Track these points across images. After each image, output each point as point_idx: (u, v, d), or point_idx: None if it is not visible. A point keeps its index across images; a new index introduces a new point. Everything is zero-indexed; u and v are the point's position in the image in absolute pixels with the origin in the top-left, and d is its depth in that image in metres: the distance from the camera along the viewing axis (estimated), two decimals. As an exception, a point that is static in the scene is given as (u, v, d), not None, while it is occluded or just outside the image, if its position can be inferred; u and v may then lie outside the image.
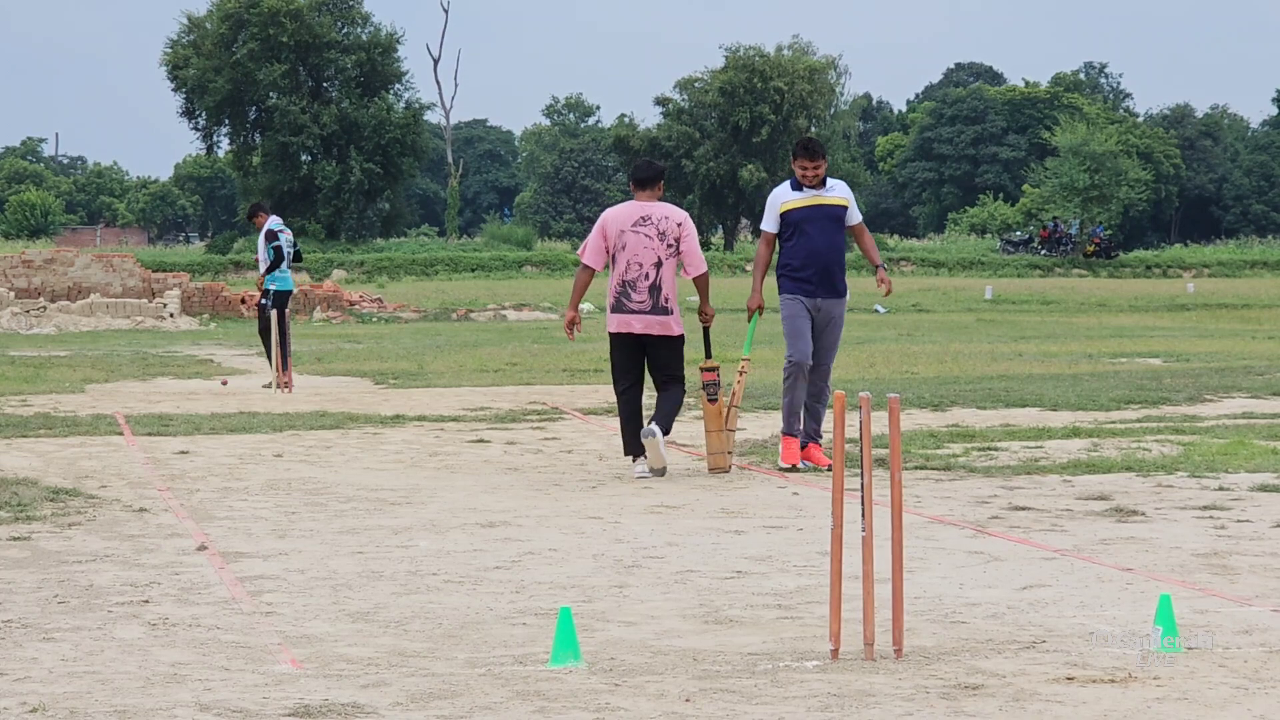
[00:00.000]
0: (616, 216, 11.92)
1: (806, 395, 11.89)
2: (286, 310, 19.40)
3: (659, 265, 11.75)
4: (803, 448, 11.93)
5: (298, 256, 20.20)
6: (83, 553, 8.57)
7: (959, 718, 5.48)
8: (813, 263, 11.84)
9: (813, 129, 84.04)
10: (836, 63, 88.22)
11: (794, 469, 11.77)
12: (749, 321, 12.20)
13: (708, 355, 12.05)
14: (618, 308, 11.85)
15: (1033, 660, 6.25)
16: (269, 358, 19.42)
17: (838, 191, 11.95)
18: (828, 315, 11.91)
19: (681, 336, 11.89)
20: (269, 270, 19.74)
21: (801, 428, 11.96)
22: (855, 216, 12.02)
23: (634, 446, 11.66)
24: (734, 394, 11.89)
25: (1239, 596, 7.43)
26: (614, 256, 11.87)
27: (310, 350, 25.14)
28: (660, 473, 11.55)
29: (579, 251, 12.17)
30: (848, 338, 28.86)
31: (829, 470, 11.20)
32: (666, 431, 11.63)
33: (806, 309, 11.85)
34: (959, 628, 6.84)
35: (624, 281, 11.81)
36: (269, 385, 18.87)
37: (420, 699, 5.71)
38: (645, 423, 11.68)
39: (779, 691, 5.80)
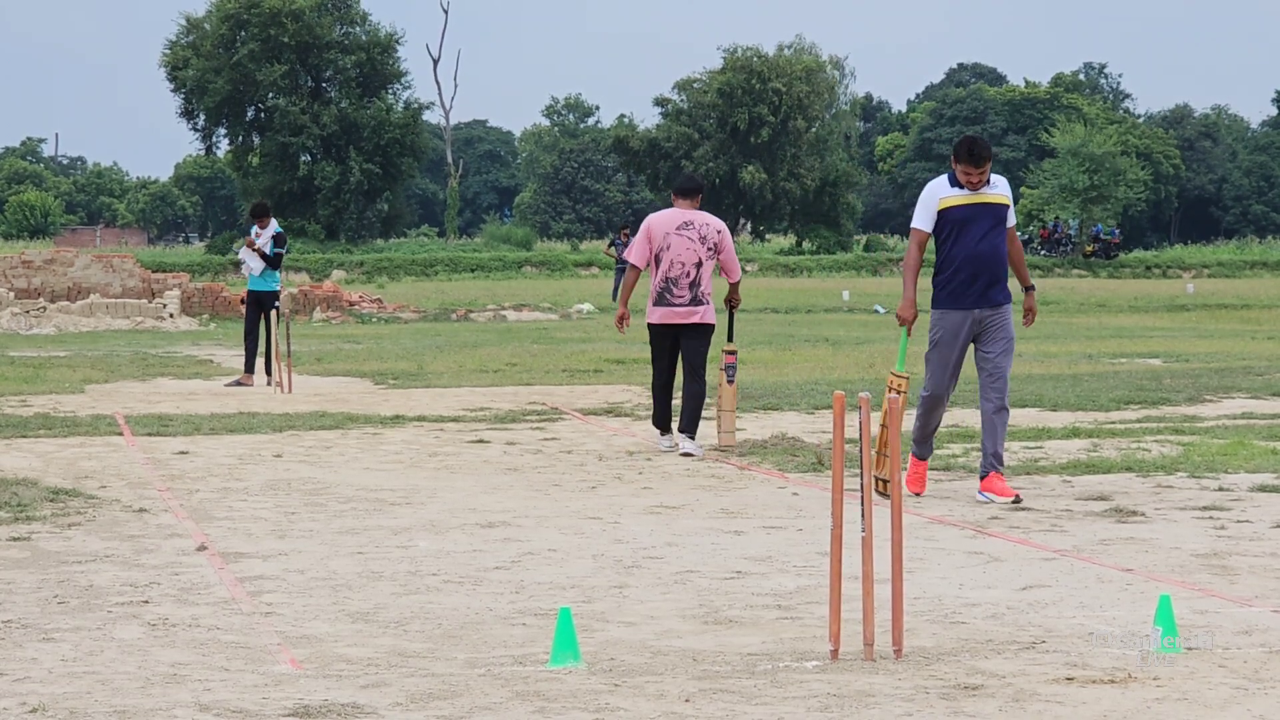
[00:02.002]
0: (662, 221, 13.10)
1: (986, 408, 10.53)
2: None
3: (699, 265, 12.97)
4: (982, 476, 10.46)
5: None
6: (82, 553, 8.57)
7: (959, 718, 5.48)
8: (974, 271, 10.52)
9: (812, 129, 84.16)
10: (842, 64, 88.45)
11: (918, 496, 10.52)
12: (905, 333, 10.84)
13: (730, 339, 13.56)
14: (660, 301, 13.03)
15: (1032, 661, 6.25)
16: (268, 356, 19.43)
17: (1000, 189, 10.63)
18: (990, 325, 10.56)
19: (712, 326, 13.10)
20: (269, 268, 19.76)
21: (982, 456, 10.53)
22: (1012, 219, 10.73)
23: (661, 421, 13.15)
24: (885, 412, 11.04)
25: (1239, 597, 7.43)
26: (658, 256, 13.00)
27: (310, 350, 25.15)
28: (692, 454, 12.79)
29: (625, 254, 13.42)
30: (846, 338, 28.88)
31: (1015, 502, 10.15)
32: (692, 432, 12.90)
33: (961, 327, 10.58)
34: (959, 628, 6.84)
35: (667, 278, 12.97)
36: (243, 383, 19.08)
37: (420, 699, 5.71)
38: (674, 425, 13.11)
39: (779, 692, 5.80)
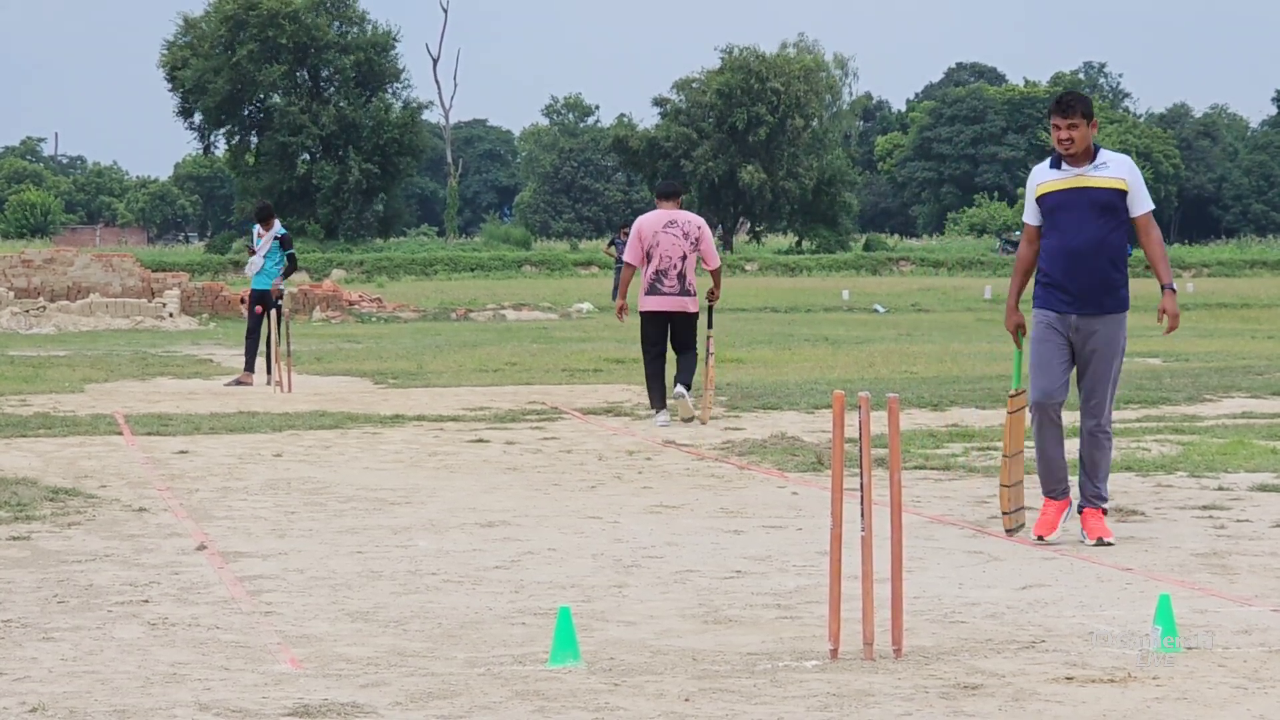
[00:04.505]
0: (650, 222, 15.02)
1: (1081, 439, 9.10)
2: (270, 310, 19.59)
3: (684, 258, 14.89)
4: (1079, 511, 9.05)
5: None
6: (82, 552, 8.57)
7: (958, 718, 5.48)
8: (1068, 266, 8.92)
9: (811, 127, 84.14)
10: (846, 63, 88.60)
11: (1041, 540, 8.87)
12: (1018, 345, 9.32)
13: (709, 326, 15.51)
14: (652, 291, 14.89)
15: (1032, 660, 6.25)
16: (268, 355, 19.42)
17: (1110, 170, 8.92)
18: (1091, 337, 8.98)
19: (696, 314, 15.05)
20: (284, 274, 19.80)
21: (1078, 488, 9.12)
22: (1140, 205, 8.95)
23: (657, 402, 14.84)
24: (1006, 439, 9.17)
25: (1238, 596, 7.43)
26: (648, 253, 14.90)
27: (310, 350, 25.14)
28: (689, 420, 14.69)
29: (624, 255, 15.24)
30: (846, 337, 28.86)
31: (1108, 544, 8.76)
32: (689, 387, 14.77)
33: (1059, 330, 9.00)
34: (958, 627, 6.84)
35: (657, 271, 14.86)
36: (267, 383, 18.97)
37: (419, 699, 5.71)
38: (671, 386, 14.77)
39: (778, 691, 5.80)
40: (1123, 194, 8.92)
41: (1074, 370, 9.13)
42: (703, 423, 14.68)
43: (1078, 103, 8.88)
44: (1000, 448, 9.26)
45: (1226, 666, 6.12)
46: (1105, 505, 9.02)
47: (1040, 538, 8.89)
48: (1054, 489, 9.04)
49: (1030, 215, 9.14)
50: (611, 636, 6.69)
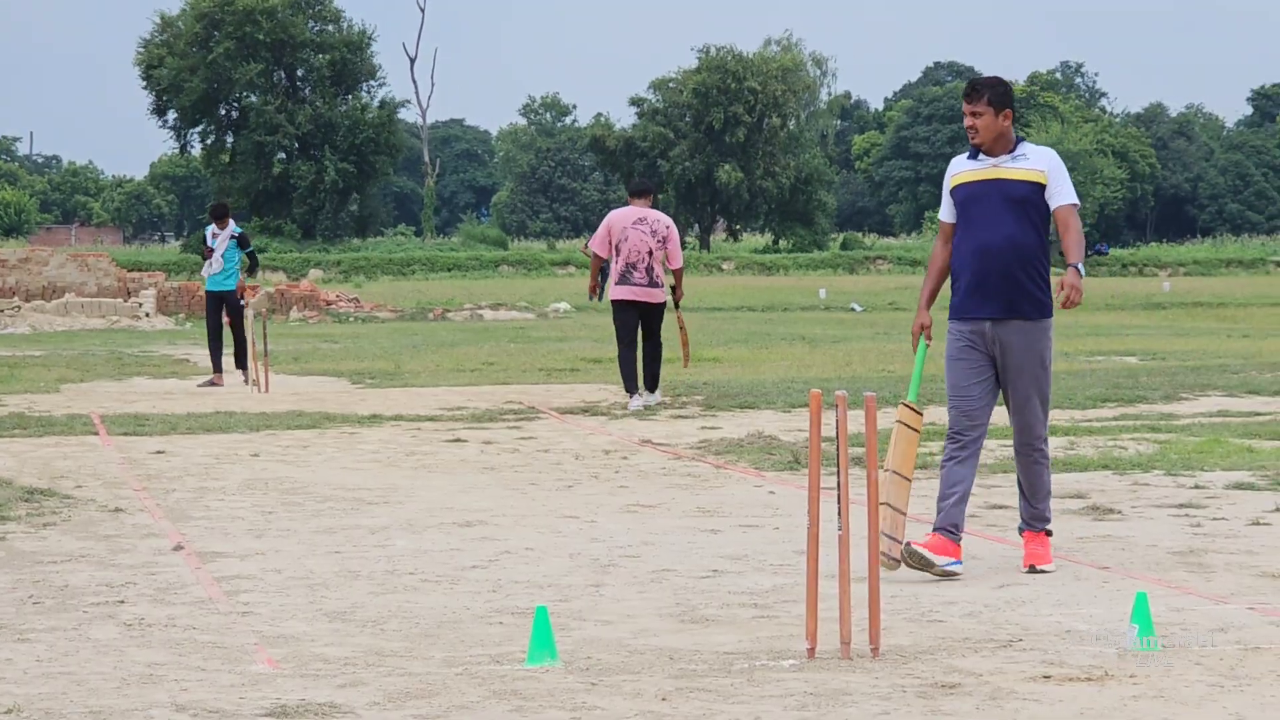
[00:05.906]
0: (621, 217, 16.08)
1: (1017, 464, 8.17)
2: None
3: (651, 254, 15.95)
4: (1020, 533, 8.20)
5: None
6: (58, 553, 8.54)
7: (936, 717, 5.49)
8: (979, 266, 7.99)
9: (788, 126, 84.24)
10: (824, 62, 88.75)
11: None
12: (914, 350, 8.29)
13: (677, 307, 16.76)
14: (623, 281, 15.96)
15: (1009, 659, 6.26)
16: (241, 353, 19.40)
17: (1030, 162, 8.03)
18: (1009, 347, 7.99)
19: (664, 304, 16.20)
20: (247, 272, 19.72)
21: (1018, 510, 8.29)
22: (1060, 197, 8.00)
23: (630, 386, 15.94)
24: (889, 456, 7.99)
25: (1215, 594, 7.44)
26: (617, 246, 15.97)
27: (287, 350, 25.09)
28: (652, 410, 15.72)
29: (590, 244, 16.34)
30: (823, 336, 28.88)
31: (1043, 572, 7.91)
32: (654, 389, 16.08)
33: (977, 346, 8.03)
34: (936, 626, 6.84)
35: (628, 264, 15.93)
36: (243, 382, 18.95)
37: (397, 698, 5.70)
38: (640, 383, 15.94)
39: (755, 690, 5.80)
40: (1040, 188, 8.00)
41: (998, 391, 8.12)
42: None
43: (985, 88, 8.02)
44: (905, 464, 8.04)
45: (1203, 664, 6.13)
46: (1048, 528, 8.11)
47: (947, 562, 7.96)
48: (946, 523, 7.98)
49: (945, 211, 8.23)
50: (589, 636, 6.69)
